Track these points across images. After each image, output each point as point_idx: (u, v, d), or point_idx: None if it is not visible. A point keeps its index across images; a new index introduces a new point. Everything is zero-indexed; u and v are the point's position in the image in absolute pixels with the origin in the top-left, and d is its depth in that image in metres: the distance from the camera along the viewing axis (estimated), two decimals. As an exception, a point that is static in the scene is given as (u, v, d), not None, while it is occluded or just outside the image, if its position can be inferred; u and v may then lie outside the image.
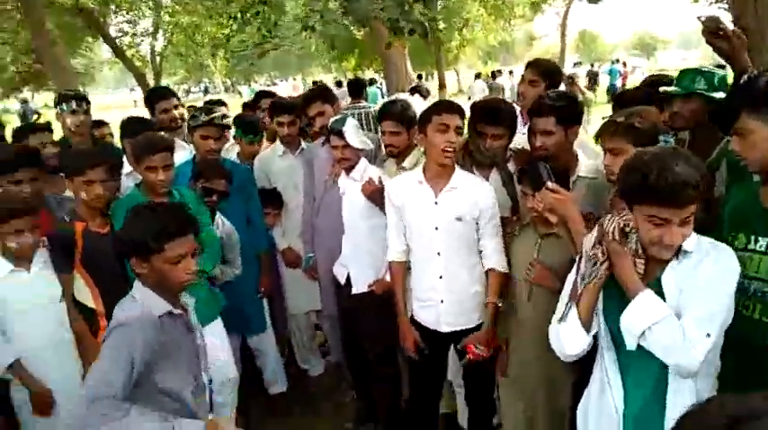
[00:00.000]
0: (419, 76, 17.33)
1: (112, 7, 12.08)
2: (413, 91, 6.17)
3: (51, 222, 2.93)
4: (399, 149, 3.20)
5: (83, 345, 2.73)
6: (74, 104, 3.75)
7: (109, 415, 1.68)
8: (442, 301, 2.74)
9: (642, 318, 1.70)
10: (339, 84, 16.97)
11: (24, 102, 21.31)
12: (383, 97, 9.29)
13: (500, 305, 2.67)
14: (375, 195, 3.09)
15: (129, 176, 3.44)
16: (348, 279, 3.31)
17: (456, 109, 2.66)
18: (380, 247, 3.18)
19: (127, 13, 13.09)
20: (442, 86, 19.30)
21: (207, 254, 3.05)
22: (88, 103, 3.88)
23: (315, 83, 18.01)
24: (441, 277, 2.72)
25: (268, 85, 32.97)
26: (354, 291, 3.26)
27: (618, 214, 1.79)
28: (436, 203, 2.68)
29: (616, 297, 1.83)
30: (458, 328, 2.76)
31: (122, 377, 1.75)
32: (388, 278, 3.13)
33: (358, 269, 3.26)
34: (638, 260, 1.77)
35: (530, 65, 3.41)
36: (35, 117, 16.49)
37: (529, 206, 2.44)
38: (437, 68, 18.45)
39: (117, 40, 13.37)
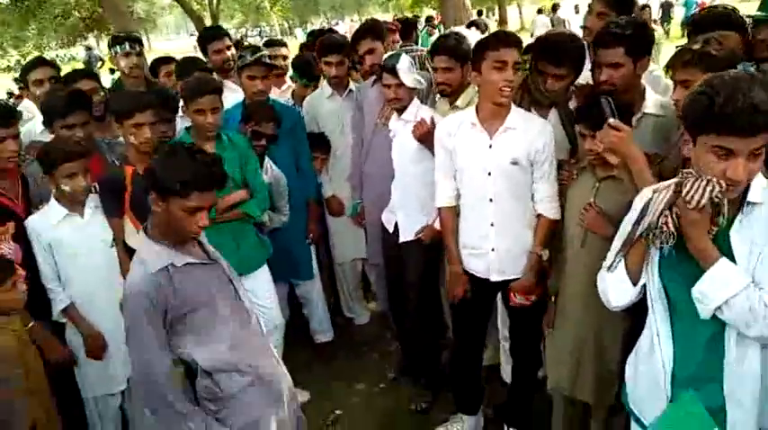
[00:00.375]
0: (479, 12, 16.58)
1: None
2: (470, 25, 5.83)
3: (103, 166, 2.96)
4: (453, 87, 3.01)
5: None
6: (127, 46, 3.76)
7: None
8: (492, 250, 2.60)
9: (719, 290, 1.52)
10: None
11: (89, 49, 21.81)
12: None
13: (543, 256, 2.53)
14: (427, 137, 2.93)
15: (183, 118, 3.42)
16: (396, 226, 3.22)
17: (513, 42, 2.42)
18: (430, 193, 3.05)
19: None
20: (502, 22, 18.45)
21: (255, 199, 3.02)
22: (141, 44, 3.88)
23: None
24: (492, 224, 2.57)
25: (324, 27, 32.58)
26: (402, 238, 3.17)
27: (702, 177, 1.50)
28: (490, 147, 2.51)
29: (681, 259, 1.64)
30: (508, 278, 2.63)
31: (156, 348, 1.86)
32: (436, 225, 3.03)
33: (406, 216, 3.16)
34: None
35: None
36: (99, 64, 16.89)
37: (587, 147, 2.25)
38: (498, 3, 17.60)
39: (175, -18, 13.40)
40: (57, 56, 19.14)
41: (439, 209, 2.78)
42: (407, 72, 2.93)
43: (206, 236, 2.15)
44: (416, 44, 5.58)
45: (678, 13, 19.19)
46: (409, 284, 3.23)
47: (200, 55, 4.24)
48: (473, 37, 3.06)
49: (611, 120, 2.09)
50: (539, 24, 16.30)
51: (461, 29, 3.59)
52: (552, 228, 2.53)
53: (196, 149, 1.95)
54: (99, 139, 3.14)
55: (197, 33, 15.39)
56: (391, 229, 3.26)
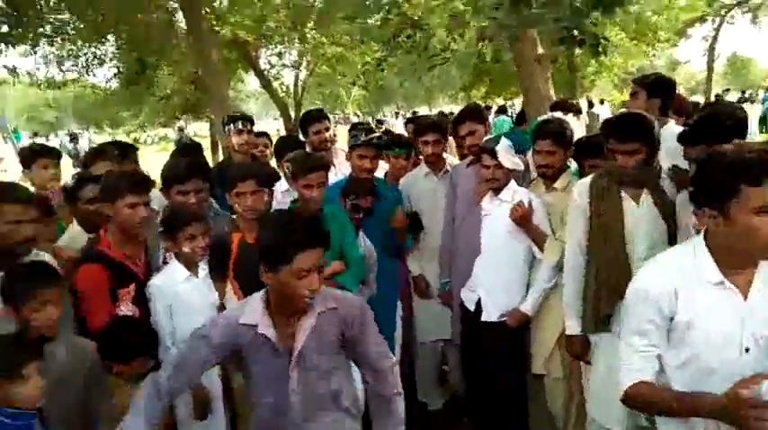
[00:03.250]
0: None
1: (263, 41, 13.03)
2: (556, 107, 5.89)
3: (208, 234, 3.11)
4: (554, 170, 3.09)
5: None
6: (240, 125, 4.06)
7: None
8: None
9: None
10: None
11: (181, 130, 23.49)
12: (513, 126, 9.08)
13: None
14: (525, 219, 3.00)
15: (285, 194, 3.60)
16: (478, 304, 3.20)
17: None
18: (518, 275, 3.14)
19: (276, 47, 14.03)
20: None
21: (351, 271, 3.09)
22: (252, 123, 4.16)
23: (441, 113, 18.13)
24: None
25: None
26: (485, 318, 3.17)
27: None
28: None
29: None
30: None
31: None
32: (523, 308, 3.05)
33: (491, 296, 3.16)
34: None
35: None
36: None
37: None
38: (572, 94, 17.84)
39: (265, 72, 14.35)
40: (149, 135, 20.62)
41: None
42: (506, 154, 3.03)
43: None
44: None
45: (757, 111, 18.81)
46: (494, 366, 3.17)
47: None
48: (572, 123, 3.16)
49: None
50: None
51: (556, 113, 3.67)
52: None
53: (294, 212, 2.01)
54: (206, 207, 3.27)
55: (280, 118, 16.43)
56: (472, 308, 3.24)
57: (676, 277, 1.73)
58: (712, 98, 23.16)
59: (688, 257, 1.75)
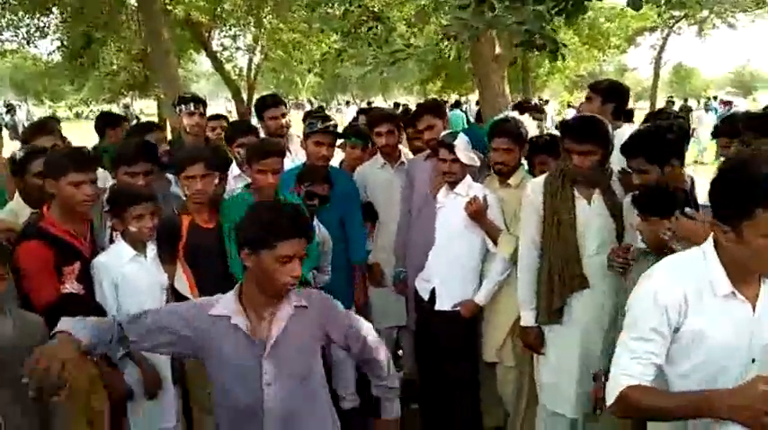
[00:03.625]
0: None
1: (217, 22, 12.74)
2: (518, 107, 6.03)
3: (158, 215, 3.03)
4: (509, 167, 3.15)
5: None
6: (191, 106, 3.94)
7: None
8: None
9: None
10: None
11: (126, 107, 22.75)
12: (468, 122, 9.19)
13: None
14: (479, 215, 3.06)
15: (237, 179, 3.54)
16: (432, 293, 3.26)
17: None
18: (472, 266, 3.20)
19: (231, 29, 13.77)
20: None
21: (306, 259, 3.06)
22: (205, 105, 4.05)
23: (396, 104, 18.20)
24: None
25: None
26: (438, 307, 3.23)
27: None
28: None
29: None
30: None
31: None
32: (476, 299, 3.13)
33: (445, 286, 3.22)
34: None
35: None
36: (134, 121, 17.58)
37: (648, 231, 2.32)
38: (524, 94, 18.23)
39: (218, 54, 14.07)
40: (92, 110, 20.02)
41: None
42: (464, 149, 3.07)
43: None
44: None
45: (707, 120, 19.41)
46: (444, 353, 3.24)
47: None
48: (527, 122, 3.24)
49: (687, 210, 2.17)
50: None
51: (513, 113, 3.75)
52: None
53: (280, 203, 2.01)
54: (155, 190, 3.22)
55: (233, 99, 16.15)
56: (426, 297, 3.30)
57: (688, 283, 1.69)
58: (658, 105, 24.06)
59: (699, 264, 1.71)
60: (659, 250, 2.31)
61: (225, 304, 1.99)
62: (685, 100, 26.32)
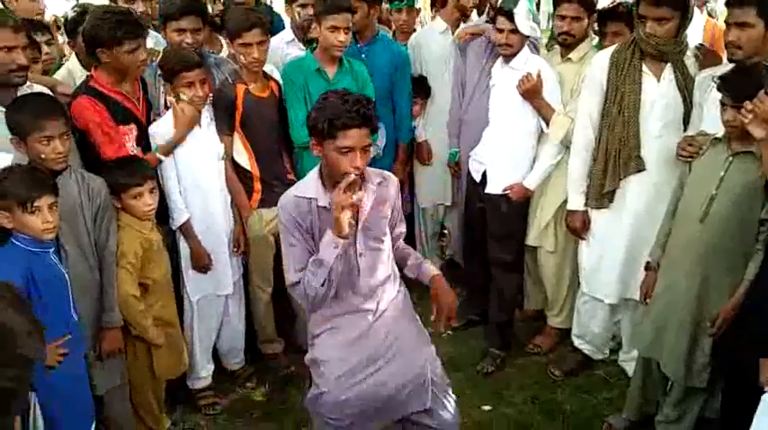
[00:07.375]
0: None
1: None
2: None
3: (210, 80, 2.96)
4: (576, 38, 2.94)
5: (236, 205, 2.86)
6: None
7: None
8: None
9: None
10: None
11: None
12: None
13: None
14: (533, 93, 2.90)
15: (290, 44, 3.43)
16: (484, 176, 3.20)
17: None
18: (525, 149, 3.08)
19: None
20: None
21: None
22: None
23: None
24: None
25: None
26: (488, 190, 3.17)
27: None
28: None
29: None
30: None
31: (290, 260, 2.06)
32: (525, 183, 3.06)
33: (496, 168, 3.14)
34: None
35: None
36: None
37: (727, 118, 2.16)
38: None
39: None
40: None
41: None
42: (525, 18, 2.85)
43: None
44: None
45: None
46: (492, 237, 3.24)
47: None
48: None
49: None
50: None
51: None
52: None
53: (344, 92, 1.95)
54: (207, 53, 3.08)
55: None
56: (478, 179, 3.23)
57: None
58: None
59: None
60: (735, 137, 2.18)
61: (307, 186, 2.06)
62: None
